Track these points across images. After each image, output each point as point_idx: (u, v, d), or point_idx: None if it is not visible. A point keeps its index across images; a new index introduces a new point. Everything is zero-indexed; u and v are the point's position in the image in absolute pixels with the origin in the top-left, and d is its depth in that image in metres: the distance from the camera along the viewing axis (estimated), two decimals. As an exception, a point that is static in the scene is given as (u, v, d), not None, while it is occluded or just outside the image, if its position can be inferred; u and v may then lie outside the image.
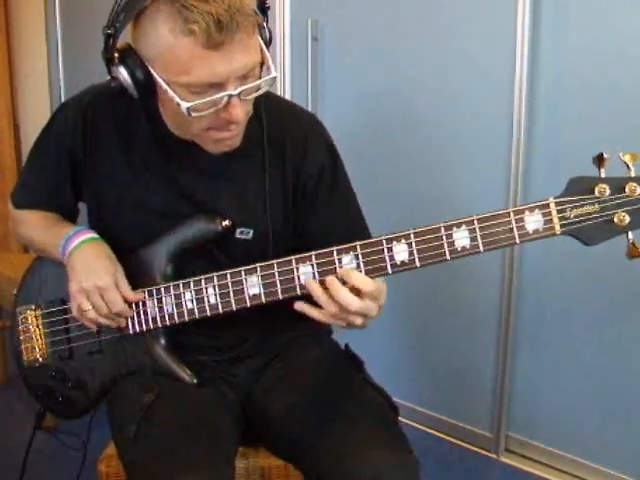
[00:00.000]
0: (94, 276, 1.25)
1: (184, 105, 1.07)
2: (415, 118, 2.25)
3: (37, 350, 1.38)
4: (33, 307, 1.39)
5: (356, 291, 1.07)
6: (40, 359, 1.38)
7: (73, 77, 3.29)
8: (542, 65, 1.97)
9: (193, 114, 1.08)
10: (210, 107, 1.09)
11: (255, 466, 1.37)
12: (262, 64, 1.12)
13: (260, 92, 1.13)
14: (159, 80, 1.08)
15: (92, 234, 1.30)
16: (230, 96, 1.08)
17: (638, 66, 1.82)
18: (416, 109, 2.24)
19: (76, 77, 3.23)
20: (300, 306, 1.11)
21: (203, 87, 1.06)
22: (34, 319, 1.39)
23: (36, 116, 3.32)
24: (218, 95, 1.07)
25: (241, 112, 1.11)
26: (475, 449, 2.33)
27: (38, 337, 1.38)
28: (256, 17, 1.08)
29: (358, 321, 1.11)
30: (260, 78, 1.12)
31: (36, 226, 1.39)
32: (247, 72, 1.08)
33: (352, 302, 1.07)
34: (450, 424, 2.39)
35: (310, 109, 2.31)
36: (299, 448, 1.23)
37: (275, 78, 1.12)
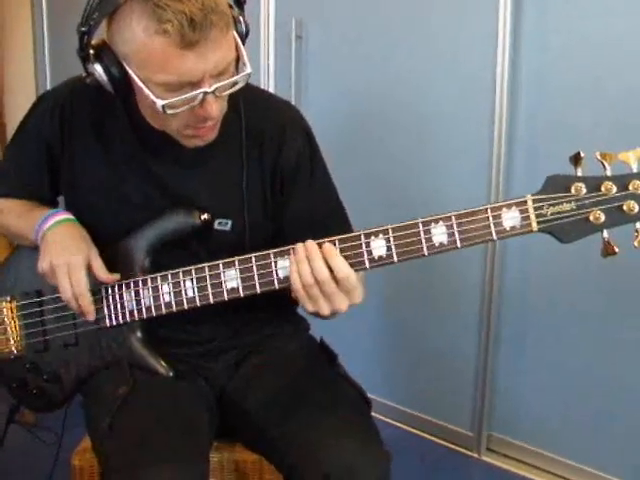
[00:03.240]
0: (65, 253, 1.23)
1: (159, 103, 1.07)
2: (398, 115, 2.26)
3: (12, 342, 1.37)
4: (8, 299, 1.38)
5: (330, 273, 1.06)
6: (15, 351, 1.37)
7: (60, 74, 3.26)
8: (523, 63, 2.00)
9: (168, 111, 1.09)
10: (185, 104, 1.09)
11: (230, 460, 1.37)
12: (238, 60, 1.12)
13: (235, 88, 1.13)
14: (134, 77, 1.08)
15: (68, 215, 1.30)
16: (205, 93, 1.08)
17: (618, 64, 1.84)
18: (399, 106, 2.25)
19: (63, 75, 3.18)
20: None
21: (178, 85, 1.06)
22: (9, 311, 1.38)
23: (23, 114, 3.30)
24: (193, 93, 1.07)
25: (216, 108, 1.12)
26: (457, 448, 2.34)
27: (13, 329, 1.37)
28: (231, 14, 1.09)
29: (325, 309, 1.08)
30: (236, 74, 1.12)
31: (13, 212, 1.38)
32: (222, 69, 1.08)
33: (322, 273, 1.05)
34: (431, 423, 2.40)
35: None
36: (271, 441, 1.23)
37: (250, 74, 1.12)
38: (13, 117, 3.44)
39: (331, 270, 1.06)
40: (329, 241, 1.09)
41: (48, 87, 3.33)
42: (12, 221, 1.38)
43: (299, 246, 1.09)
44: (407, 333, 2.43)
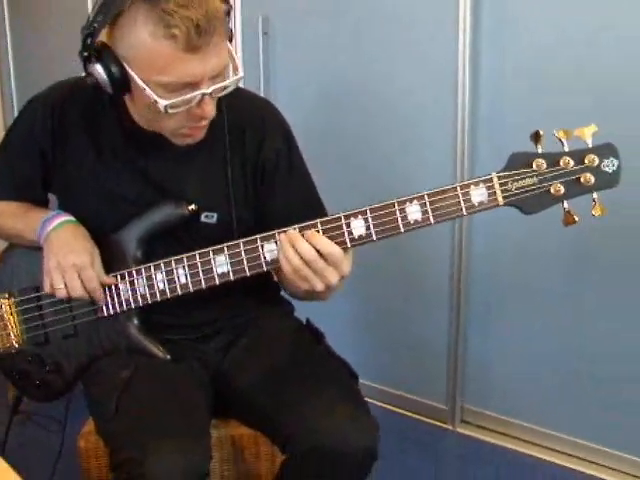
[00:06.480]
0: (72, 255, 1.30)
1: (162, 103, 1.14)
2: (362, 103, 2.34)
3: (12, 337, 1.43)
4: (6, 296, 1.43)
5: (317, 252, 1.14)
6: (16, 345, 1.43)
7: (25, 88, 3.23)
8: (483, 48, 2.07)
9: (170, 111, 1.16)
10: (185, 104, 1.16)
11: (226, 435, 1.44)
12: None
13: (227, 91, 1.21)
14: (136, 78, 1.14)
15: (70, 217, 1.36)
16: (204, 94, 1.15)
17: (575, 45, 1.92)
18: (365, 95, 2.33)
19: (28, 89, 3.19)
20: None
21: (179, 86, 1.14)
22: (8, 307, 1.43)
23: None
24: (193, 94, 1.15)
25: (212, 109, 1.19)
26: (431, 422, 2.42)
27: (13, 324, 1.43)
28: (226, 20, 1.16)
29: (318, 285, 1.16)
30: (226, 77, 1.19)
31: (10, 214, 1.43)
32: (218, 72, 1.16)
33: (309, 253, 1.13)
34: (406, 398, 2.48)
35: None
36: (265, 415, 1.31)
37: (242, 78, 1.20)
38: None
39: (317, 250, 1.14)
40: (312, 224, 1.17)
41: (14, 99, 3.31)
42: (10, 222, 1.43)
43: (281, 235, 1.17)
44: (378, 313, 2.50)
